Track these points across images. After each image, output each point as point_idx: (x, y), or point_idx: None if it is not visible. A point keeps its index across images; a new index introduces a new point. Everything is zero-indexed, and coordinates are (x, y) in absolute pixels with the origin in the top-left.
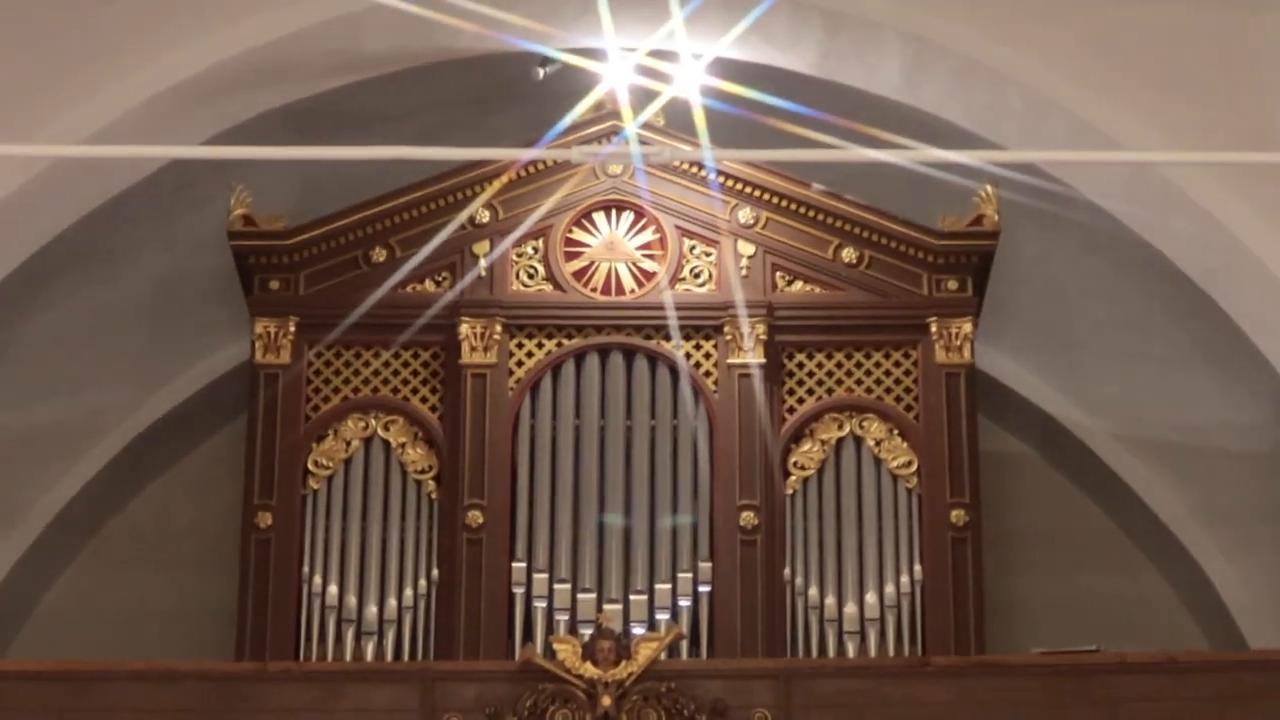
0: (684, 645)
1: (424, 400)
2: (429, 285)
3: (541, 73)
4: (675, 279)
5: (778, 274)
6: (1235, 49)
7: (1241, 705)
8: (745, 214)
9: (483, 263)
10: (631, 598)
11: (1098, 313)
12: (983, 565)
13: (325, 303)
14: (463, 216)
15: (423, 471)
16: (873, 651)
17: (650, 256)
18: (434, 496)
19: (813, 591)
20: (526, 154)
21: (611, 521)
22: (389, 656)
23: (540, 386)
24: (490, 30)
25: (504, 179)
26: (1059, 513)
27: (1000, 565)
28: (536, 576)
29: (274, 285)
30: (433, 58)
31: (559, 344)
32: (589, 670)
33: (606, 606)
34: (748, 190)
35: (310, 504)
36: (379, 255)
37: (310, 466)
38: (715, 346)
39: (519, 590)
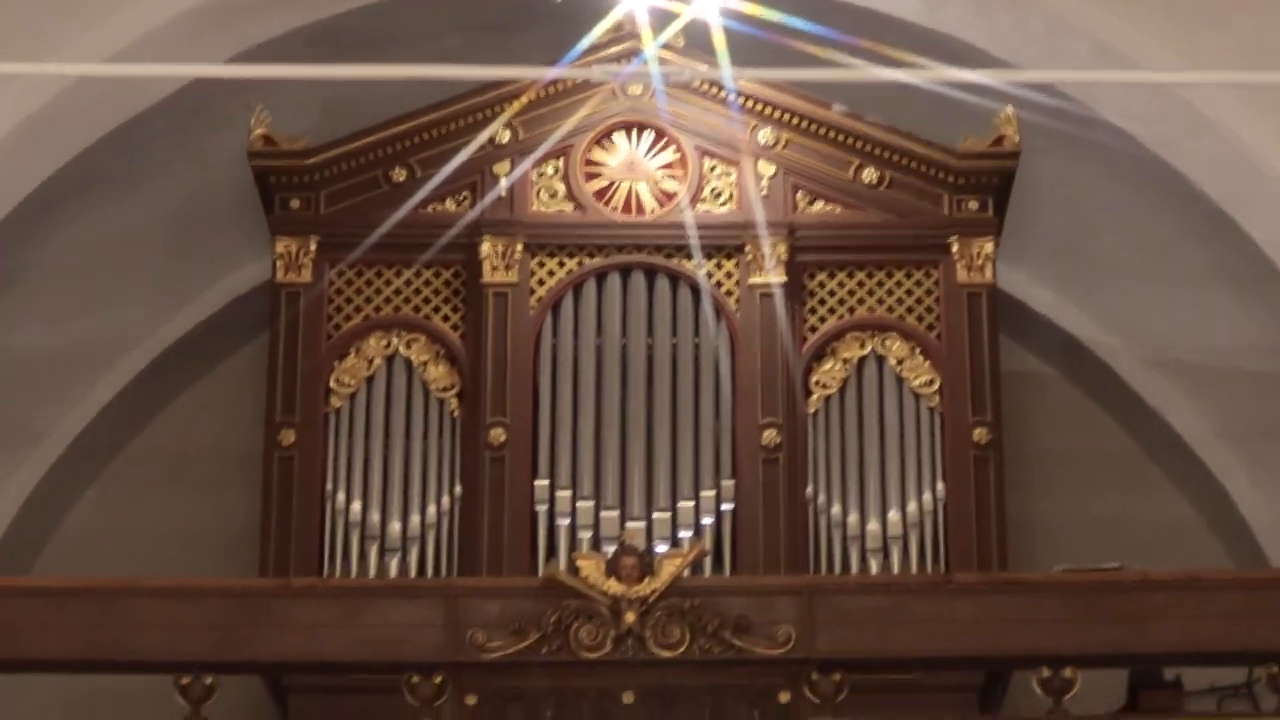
0: (707, 562)
1: (445, 319)
2: (449, 205)
3: None
4: (696, 199)
5: (798, 194)
6: None
7: (1266, 622)
8: (765, 134)
9: (503, 182)
10: (654, 515)
11: (1118, 233)
12: (1005, 483)
13: (346, 222)
14: (483, 137)
15: (445, 389)
16: (895, 569)
17: (670, 176)
18: (456, 414)
19: (835, 509)
20: (547, 74)
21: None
22: (412, 573)
23: (562, 305)
24: None
25: (524, 99)
26: (1080, 432)
27: (1022, 484)
28: (559, 494)
29: (294, 204)
30: None
31: (580, 263)
32: (613, 587)
33: (629, 524)
34: (768, 111)
35: (333, 422)
36: (399, 175)
37: (332, 385)
38: (736, 266)
39: (542, 508)
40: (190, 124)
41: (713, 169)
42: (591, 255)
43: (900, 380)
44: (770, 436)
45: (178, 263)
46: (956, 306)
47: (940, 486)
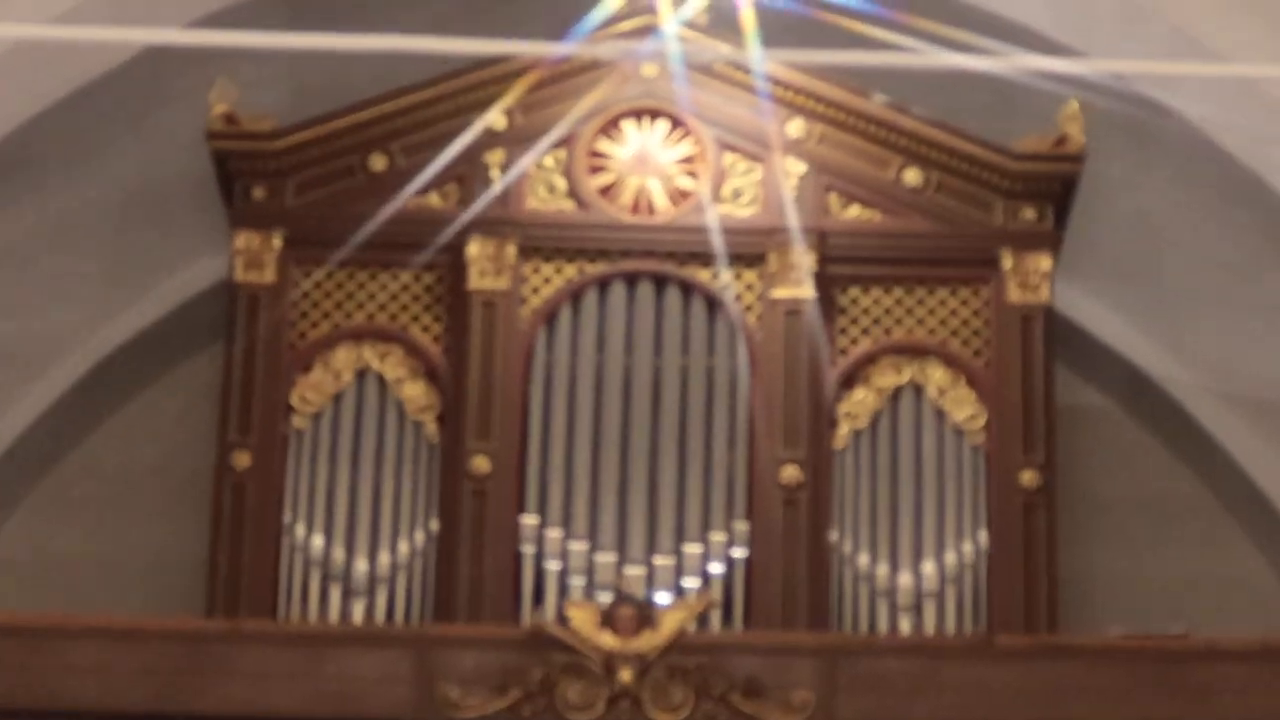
0: (715, 616)
1: (425, 329)
2: (434, 199)
3: None
4: (715, 199)
5: (831, 196)
6: None
7: None
8: (796, 127)
9: (497, 176)
10: (656, 560)
11: (1194, 250)
12: (1057, 534)
13: (316, 215)
14: (477, 125)
15: (422, 410)
16: (929, 628)
17: (687, 172)
18: (434, 439)
19: (863, 559)
20: (550, 51)
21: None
22: (379, 619)
23: (558, 317)
24: None
25: (523, 80)
26: (1145, 477)
27: (1077, 534)
28: (549, 533)
29: (258, 194)
30: None
31: (580, 269)
32: (607, 641)
33: (628, 569)
34: (800, 99)
35: (294, 444)
36: (378, 163)
37: (294, 401)
38: (758, 277)
39: (528, 549)
40: (142, 98)
41: (735, 165)
42: (594, 260)
43: (941, 413)
44: (791, 474)
45: (123, 256)
46: (1007, 330)
47: (983, 535)
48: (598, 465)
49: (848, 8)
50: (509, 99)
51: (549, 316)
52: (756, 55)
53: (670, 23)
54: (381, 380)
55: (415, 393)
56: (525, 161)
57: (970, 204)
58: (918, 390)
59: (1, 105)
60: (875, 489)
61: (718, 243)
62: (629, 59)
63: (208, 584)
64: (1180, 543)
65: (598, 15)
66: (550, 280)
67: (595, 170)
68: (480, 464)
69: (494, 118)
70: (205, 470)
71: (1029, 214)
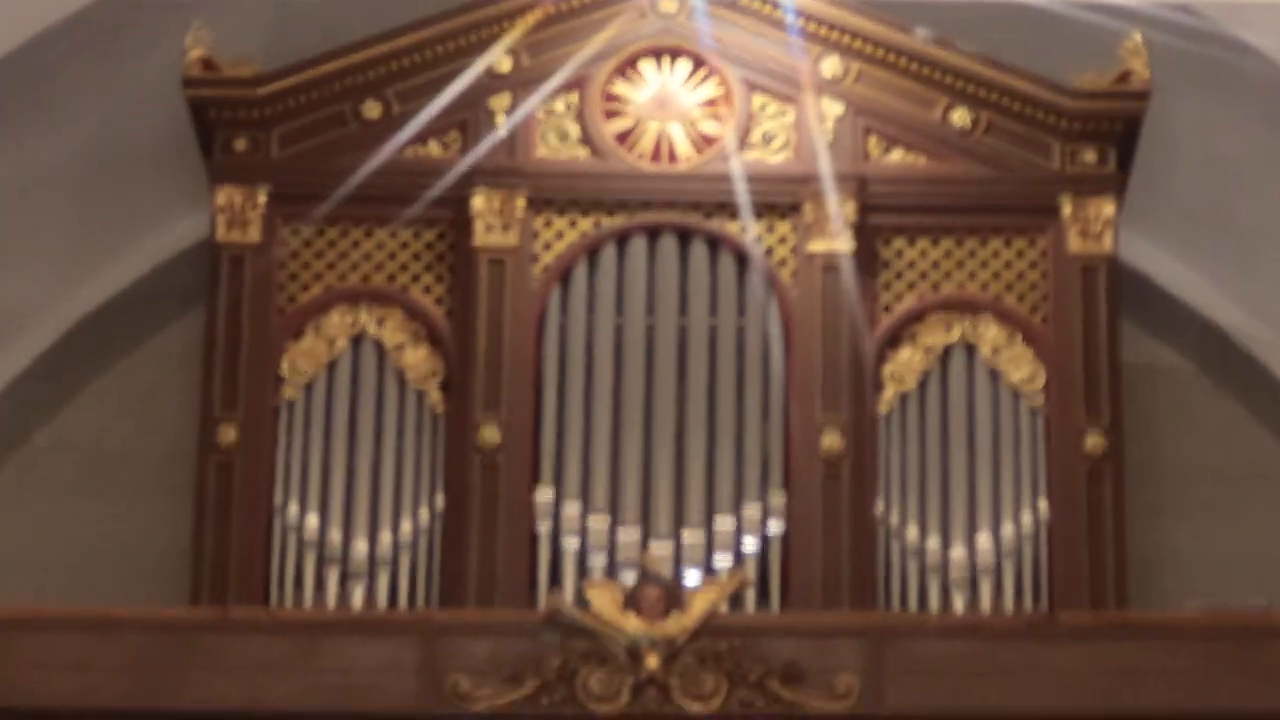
0: (750, 595)
1: (427, 290)
2: (434, 148)
3: None
4: (743, 144)
5: (871, 139)
6: None
7: None
8: (831, 65)
9: (503, 121)
10: (684, 535)
11: (1272, 195)
12: (1124, 503)
13: (304, 168)
14: (480, 66)
15: (425, 378)
16: (985, 607)
17: (712, 116)
18: (439, 409)
19: (911, 532)
20: None
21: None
22: (382, 604)
23: (573, 275)
24: None
25: (530, 18)
26: (1221, 441)
27: (1146, 504)
28: (566, 507)
29: (240, 145)
30: None
31: (596, 223)
32: (631, 624)
33: (653, 545)
34: (834, 36)
35: (285, 417)
36: (372, 110)
37: (284, 371)
38: (793, 229)
39: (544, 525)
40: (111, 42)
41: (764, 108)
42: (611, 213)
43: (995, 373)
44: (832, 441)
45: (93, 215)
46: (1067, 283)
47: (1043, 505)
48: (619, 434)
49: None
50: (513, 37)
51: (563, 275)
52: None
53: None
54: (379, 346)
55: (417, 359)
56: (533, 102)
57: (1024, 146)
58: (970, 349)
59: None
60: (924, 456)
61: (747, 192)
62: None
63: (192, 570)
64: (1259, 512)
65: None
66: (563, 235)
67: (611, 115)
68: (489, 435)
69: (498, 59)
70: (188, 446)
71: (1089, 156)
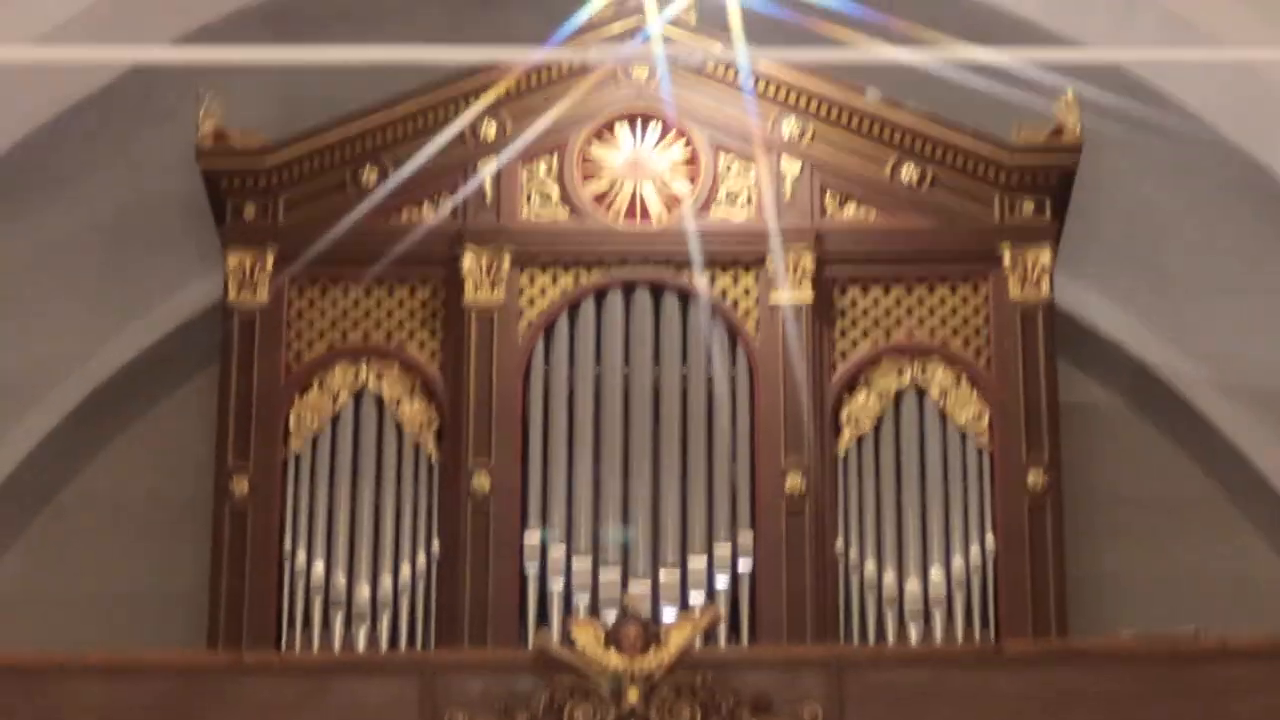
0: (722, 630)
1: (422, 345)
2: (427, 211)
3: None
4: (709, 202)
5: (827, 195)
6: None
7: None
8: (789, 126)
9: (489, 186)
10: (661, 574)
11: (1197, 241)
12: (1064, 535)
13: (308, 232)
14: (462, 123)
15: (421, 428)
16: (938, 636)
17: (680, 176)
18: (434, 457)
19: (869, 566)
20: (538, 54)
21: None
22: (383, 645)
23: (555, 328)
24: None
25: (510, 82)
26: (1152, 474)
27: (1085, 535)
28: (552, 549)
29: (249, 212)
30: None
31: (576, 279)
32: (613, 660)
33: (632, 585)
34: (792, 98)
35: (292, 467)
36: (369, 176)
37: (292, 424)
38: (755, 281)
39: (532, 566)
40: (129, 118)
41: (729, 167)
42: (590, 270)
43: (944, 415)
44: (794, 482)
45: (114, 281)
46: (1009, 327)
47: (990, 539)
48: (599, 479)
49: (836, 8)
50: (491, 96)
51: (546, 328)
52: (746, 55)
53: (658, 23)
54: (379, 399)
55: (414, 411)
56: (512, 150)
57: (968, 199)
58: (920, 393)
59: None
60: (880, 495)
61: (713, 248)
62: (617, 62)
63: (209, 614)
64: (1190, 540)
65: (584, 18)
66: (546, 291)
67: (588, 177)
68: (481, 482)
69: (485, 127)
70: (204, 497)
71: (1028, 207)
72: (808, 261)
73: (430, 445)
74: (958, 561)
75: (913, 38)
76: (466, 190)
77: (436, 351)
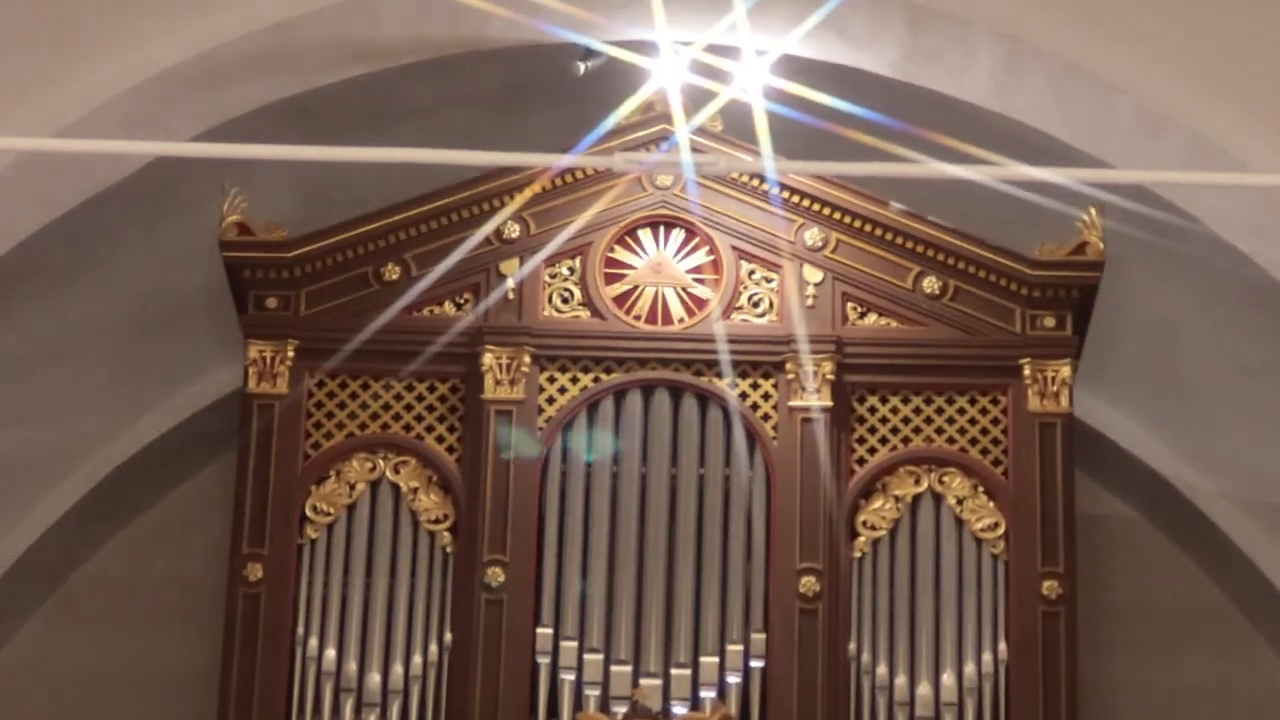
0: None
1: (440, 440)
2: (448, 308)
3: (583, 67)
4: (731, 308)
5: (848, 305)
6: None
7: None
8: (812, 235)
9: (509, 281)
10: (673, 672)
11: (1216, 358)
12: (1078, 644)
13: (329, 325)
14: (487, 229)
15: (437, 521)
16: None
17: (703, 281)
18: (449, 550)
19: (881, 670)
20: (563, 160)
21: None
22: None
23: (574, 427)
24: (524, 17)
25: (536, 188)
26: (1167, 586)
27: (1098, 645)
28: (564, 644)
29: (271, 303)
30: (457, 48)
31: (596, 379)
32: None
33: (643, 681)
34: (815, 208)
35: (307, 555)
36: (391, 273)
37: (308, 512)
38: (775, 386)
39: (544, 660)
40: (153, 208)
41: (751, 274)
42: (609, 370)
43: (960, 522)
44: (809, 584)
45: (134, 367)
46: (1027, 439)
47: (1003, 647)
48: (614, 577)
49: (863, 118)
50: (516, 205)
51: (565, 426)
52: (771, 164)
53: (684, 131)
54: (396, 490)
55: (430, 504)
56: (536, 260)
57: (989, 312)
58: (937, 500)
59: (12, 215)
60: (894, 599)
61: (733, 352)
62: (642, 168)
63: (219, 697)
64: (1203, 652)
65: (610, 124)
66: (566, 390)
67: (610, 279)
68: (495, 575)
69: (508, 226)
70: (217, 582)
71: (1049, 322)
72: (828, 368)
73: (446, 537)
74: (970, 668)
75: (937, 148)
76: (490, 296)
77: (455, 446)
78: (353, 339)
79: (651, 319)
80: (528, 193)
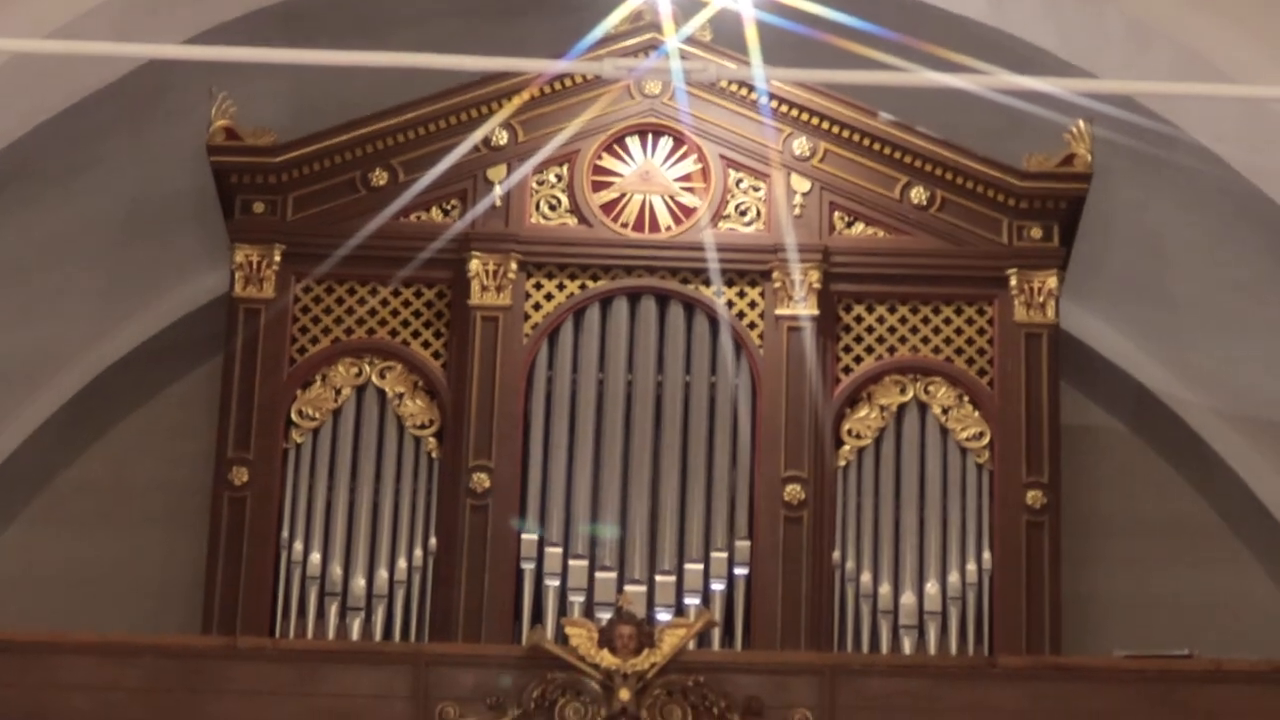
0: (715, 634)
1: (426, 345)
2: (436, 214)
3: None
4: (718, 216)
5: (836, 214)
6: None
7: None
8: (801, 144)
9: (498, 189)
10: (657, 579)
11: (1201, 270)
12: (1061, 554)
13: (316, 230)
14: (477, 136)
15: (422, 426)
16: (932, 648)
17: (690, 189)
18: (434, 455)
19: (865, 578)
20: (552, 67)
21: (602, 533)
22: (377, 636)
23: (560, 333)
24: None
25: (525, 95)
26: (1150, 496)
27: (1081, 554)
28: (549, 550)
29: (258, 208)
30: None
31: (582, 285)
32: (606, 659)
33: (628, 588)
34: (804, 117)
35: (293, 459)
36: (379, 178)
37: (294, 417)
38: (762, 294)
39: (528, 565)
40: (142, 112)
41: (739, 182)
42: (596, 277)
43: (945, 432)
44: (794, 492)
45: (121, 270)
46: (1013, 349)
47: (986, 556)
48: (598, 483)
49: (853, 28)
50: (506, 113)
51: (551, 333)
52: (760, 73)
53: (674, 39)
54: (382, 396)
55: (415, 409)
56: (525, 169)
57: (976, 223)
58: (922, 409)
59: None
60: (878, 508)
61: (720, 260)
62: (631, 76)
63: (204, 600)
64: (1185, 563)
65: (600, 33)
66: (552, 296)
67: (598, 187)
68: (480, 481)
69: (495, 133)
70: (203, 486)
71: (1035, 233)
72: (815, 277)
73: (431, 443)
74: (954, 577)
75: (928, 59)
76: (477, 201)
77: (440, 351)
78: (340, 244)
79: (639, 227)
80: (516, 100)
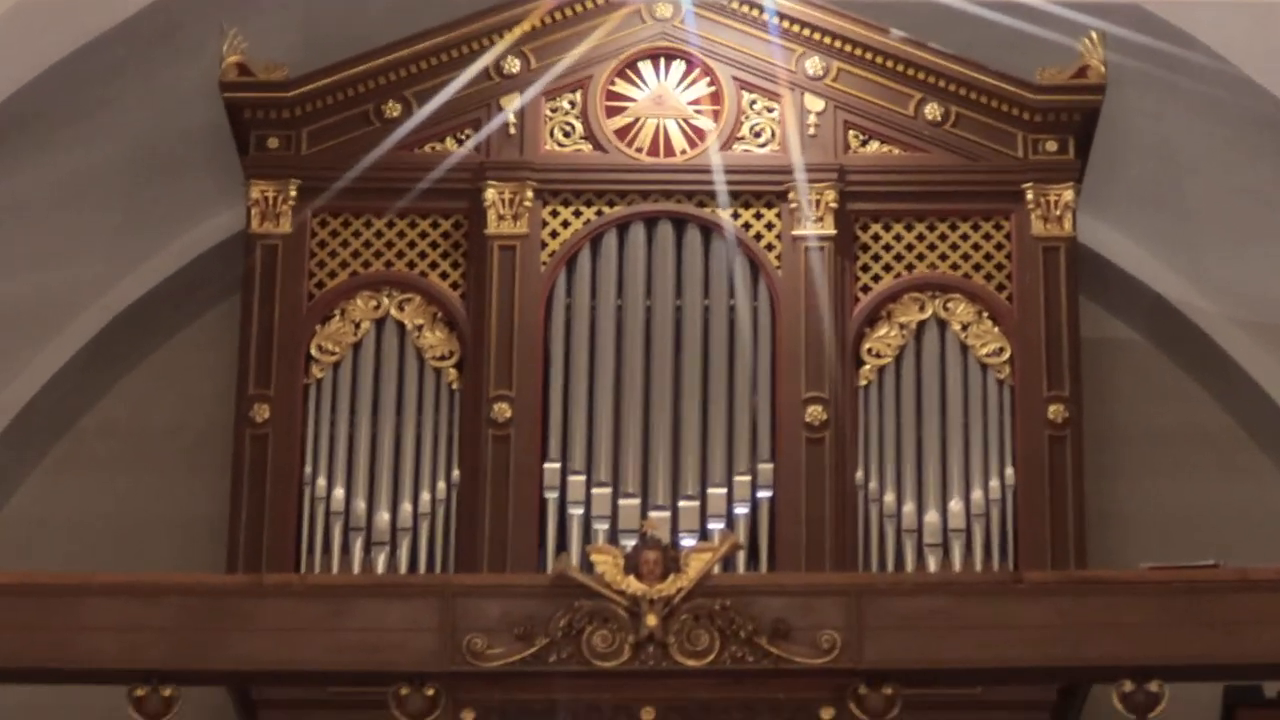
0: (741, 557)
1: (444, 276)
2: (450, 144)
3: None
4: (733, 138)
5: (850, 133)
6: None
7: None
8: (813, 64)
9: (512, 120)
10: (681, 504)
11: (1219, 180)
12: (1084, 468)
13: (331, 163)
14: (486, 60)
15: (442, 358)
16: (957, 566)
17: (703, 112)
18: (455, 386)
19: (888, 497)
20: None
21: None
22: (402, 569)
23: (577, 261)
24: None
25: (535, 20)
26: (1172, 408)
27: (1104, 468)
28: (572, 479)
29: (272, 143)
30: None
31: (599, 212)
32: (632, 585)
33: (652, 513)
34: (816, 36)
35: (313, 395)
36: (393, 110)
37: (313, 352)
38: (778, 215)
39: (552, 495)
40: (151, 52)
41: (752, 104)
42: (612, 203)
43: (965, 348)
44: (815, 413)
45: (137, 211)
46: (1031, 263)
47: (1010, 472)
48: (620, 409)
49: None
50: (516, 34)
51: (569, 260)
52: None
53: None
54: (401, 328)
55: (435, 340)
56: (537, 91)
57: (991, 137)
58: (941, 325)
59: (9, 60)
60: (900, 427)
61: (736, 182)
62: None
63: (229, 539)
64: (1209, 474)
65: None
66: (569, 224)
67: (611, 112)
68: (502, 411)
69: (508, 62)
70: (224, 424)
71: (1051, 146)
72: (830, 197)
73: (451, 374)
74: (977, 494)
75: None
76: (490, 126)
77: (459, 282)
78: (355, 177)
79: (653, 151)
80: (526, 24)
